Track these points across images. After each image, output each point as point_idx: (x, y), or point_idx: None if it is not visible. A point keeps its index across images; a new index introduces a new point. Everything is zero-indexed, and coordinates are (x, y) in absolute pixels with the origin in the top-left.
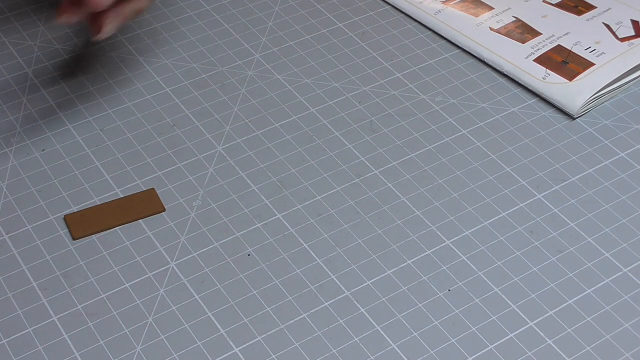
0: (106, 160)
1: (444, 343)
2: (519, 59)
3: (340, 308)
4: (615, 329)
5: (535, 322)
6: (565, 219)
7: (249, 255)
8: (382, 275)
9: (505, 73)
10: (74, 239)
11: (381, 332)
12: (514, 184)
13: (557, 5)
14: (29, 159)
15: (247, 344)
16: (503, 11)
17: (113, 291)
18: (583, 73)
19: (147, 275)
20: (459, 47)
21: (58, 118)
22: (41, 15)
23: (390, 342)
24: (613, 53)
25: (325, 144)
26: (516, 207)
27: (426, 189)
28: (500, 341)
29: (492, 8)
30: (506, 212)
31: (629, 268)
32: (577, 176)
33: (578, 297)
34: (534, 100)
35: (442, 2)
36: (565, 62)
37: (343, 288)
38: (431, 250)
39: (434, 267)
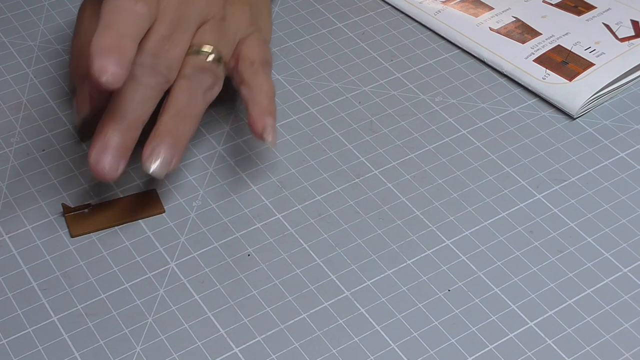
0: None
1: (444, 343)
2: (519, 59)
3: (340, 308)
4: (615, 329)
5: (535, 322)
6: (565, 219)
7: (249, 255)
8: (382, 275)
9: (505, 73)
10: (72, 236)
11: (381, 332)
12: (513, 184)
13: (557, 5)
14: (29, 159)
15: (247, 344)
16: (503, 11)
17: (113, 291)
18: (583, 73)
19: (147, 276)
20: (459, 47)
21: (58, 118)
22: (41, 15)
23: (390, 342)
24: (613, 53)
25: (325, 144)
26: (516, 207)
27: (426, 189)
28: (500, 341)
29: (492, 8)
30: (506, 212)
31: (629, 268)
32: (577, 176)
33: (578, 297)
34: (533, 101)
35: (442, 2)
36: (565, 63)
37: (343, 288)
38: (431, 250)
39: (434, 267)
